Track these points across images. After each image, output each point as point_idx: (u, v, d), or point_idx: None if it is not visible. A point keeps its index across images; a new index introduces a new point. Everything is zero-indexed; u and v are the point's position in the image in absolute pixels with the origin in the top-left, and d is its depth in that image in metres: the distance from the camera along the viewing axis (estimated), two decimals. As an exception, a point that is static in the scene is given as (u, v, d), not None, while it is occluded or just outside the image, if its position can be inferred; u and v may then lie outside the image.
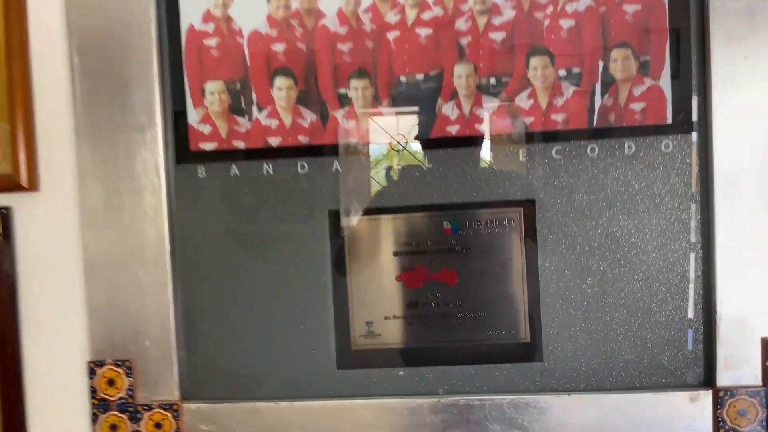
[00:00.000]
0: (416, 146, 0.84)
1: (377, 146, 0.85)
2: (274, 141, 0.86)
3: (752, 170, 0.77)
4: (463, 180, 0.83)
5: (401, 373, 0.85)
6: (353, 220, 0.85)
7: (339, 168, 0.84)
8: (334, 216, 0.85)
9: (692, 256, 0.81)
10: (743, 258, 0.78)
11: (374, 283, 0.86)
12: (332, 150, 0.85)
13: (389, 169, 0.85)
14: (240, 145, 0.86)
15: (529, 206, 0.83)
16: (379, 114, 0.84)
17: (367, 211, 0.85)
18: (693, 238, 0.80)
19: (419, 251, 0.86)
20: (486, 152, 0.83)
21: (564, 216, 0.82)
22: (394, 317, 0.87)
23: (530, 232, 0.84)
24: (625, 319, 0.82)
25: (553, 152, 0.82)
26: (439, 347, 0.86)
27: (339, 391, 0.85)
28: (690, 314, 0.81)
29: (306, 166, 0.85)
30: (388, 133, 0.84)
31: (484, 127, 0.83)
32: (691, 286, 0.81)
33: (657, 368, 0.82)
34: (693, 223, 0.80)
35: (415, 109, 0.84)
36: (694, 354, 0.81)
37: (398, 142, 0.84)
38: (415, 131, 0.83)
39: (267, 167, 0.85)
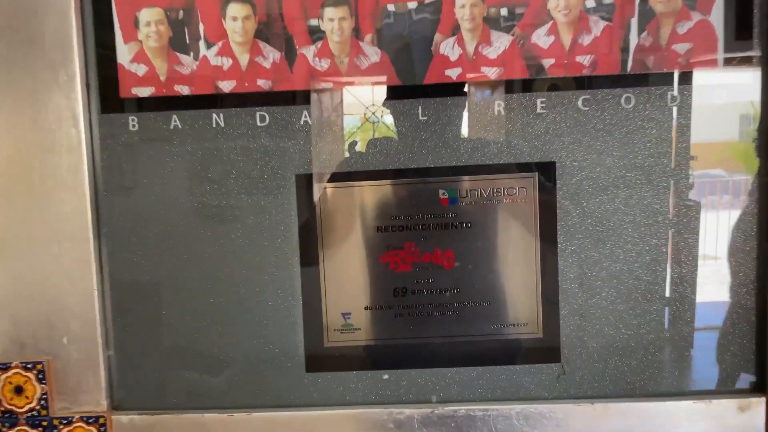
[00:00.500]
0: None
1: (357, 94, 0.68)
2: (226, 86, 0.68)
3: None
4: (465, 138, 0.67)
5: (386, 376, 0.69)
6: (327, 188, 0.69)
7: (309, 120, 0.67)
8: (303, 182, 0.68)
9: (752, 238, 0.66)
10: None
11: (353, 266, 0.70)
12: (301, 98, 0.67)
13: (374, 123, 0.68)
14: (183, 90, 0.69)
15: (547, 171, 0.67)
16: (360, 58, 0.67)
17: (344, 177, 0.68)
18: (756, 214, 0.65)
19: (408, 226, 0.70)
20: (494, 103, 0.66)
21: (591, 183, 0.66)
22: (377, 307, 0.71)
23: (548, 204, 0.68)
24: (662, 311, 0.67)
25: (579, 103, 0.66)
26: (432, 345, 0.71)
27: (308, 399, 0.69)
28: (740, 308, 0.66)
29: (267, 117, 0.67)
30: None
31: (493, 71, 0.67)
32: (744, 271, 0.66)
33: (699, 371, 0.67)
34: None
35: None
36: (744, 354, 0.67)
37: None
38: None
39: (217, 119, 0.67)
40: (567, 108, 0.66)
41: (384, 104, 0.67)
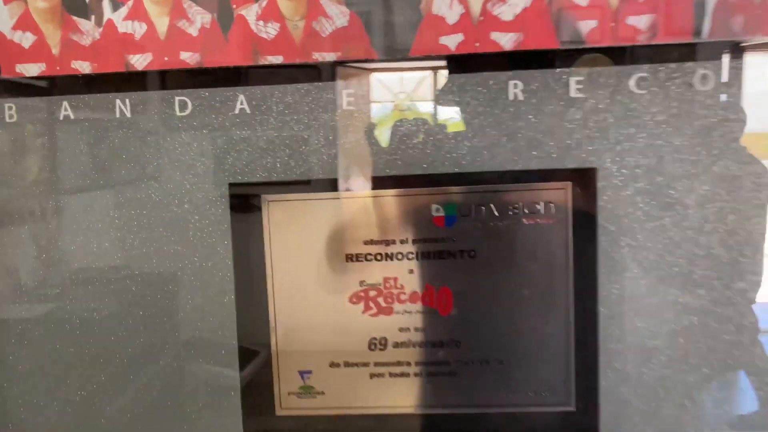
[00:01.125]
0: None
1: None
2: (138, 61, 0.50)
3: None
4: (467, 134, 0.47)
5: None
6: (276, 200, 0.50)
7: (247, 108, 0.48)
8: (239, 193, 0.49)
9: None
10: None
11: (313, 309, 0.52)
12: (237, 76, 0.49)
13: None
14: (82, 67, 0.51)
15: (585, 180, 0.48)
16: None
17: (299, 186, 0.50)
18: None
19: (389, 255, 0.51)
20: (509, 84, 0.47)
21: (649, 198, 0.46)
22: (345, 364, 0.52)
23: (586, 227, 0.48)
24: (753, 385, 0.47)
25: (631, 83, 0.46)
26: (421, 418, 0.51)
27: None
28: None
29: (189, 104, 0.48)
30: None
31: (507, 39, 0.47)
32: None
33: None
34: None
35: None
36: None
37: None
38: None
39: (122, 106, 0.49)
40: (614, 91, 0.46)
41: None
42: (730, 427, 0.47)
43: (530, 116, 0.46)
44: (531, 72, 0.46)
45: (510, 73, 0.46)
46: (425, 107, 0.48)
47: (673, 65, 0.45)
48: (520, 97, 0.46)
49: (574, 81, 0.46)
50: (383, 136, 0.49)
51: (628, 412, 0.48)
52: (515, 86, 0.46)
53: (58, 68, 0.51)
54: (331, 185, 0.50)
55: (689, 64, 0.45)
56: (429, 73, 0.50)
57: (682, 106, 0.45)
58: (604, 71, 0.45)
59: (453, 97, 0.46)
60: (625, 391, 0.48)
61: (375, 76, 0.49)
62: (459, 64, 0.47)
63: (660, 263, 0.46)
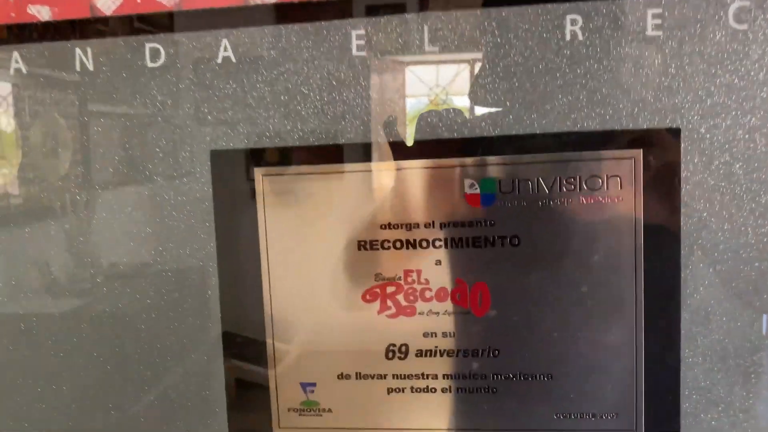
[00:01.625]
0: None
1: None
2: (106, 4, 0.42)
3: None
4: (506, 87, 0.37)
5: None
6: (271, 174, 0.41)
7: (232, 57, 0.39)
8: (224, 162, 0.40)
9: None
10: None
11: (318, 308, 0.42)
12: (222, 18, 0.39)
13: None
14: (40, 13, 0.42)
15: (661, 144, 0.37)
16: None
17: (297, 156, 0.40)
18: None
19: (412, 243, 0.41)
20: (565, 19, 0.36)
21: (749, 165, 0.35)
22: (357, 376, 0.42)
23: (662, 203, 0.38)
24: None
25: (730, 15, 0.35)
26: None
27: None
28: None
29: (162, 52, 0.39)
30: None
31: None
32: None
33: None
34: None
35: None
36: None
37: None
38: None
39: (83, 58, 0.40)
40: (705, 27, 0.35)
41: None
42: None
43: (591, 60, 0.36)
44: (594, 3, 0.35)
45: (566, 5, 0.35)
46: (464, 49, 0.38)
47: (785, -9, 0.34)
48: (579, 36, 0.35)
49: (651, 14, 0.35)
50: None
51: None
52: (573, 23, 0.35)
53: (12, 15, 0.43)
54: (339, 155, 0.40)
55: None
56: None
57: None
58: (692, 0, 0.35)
59: (491, 36, 0.35)
60: (715, 415, 0.37)
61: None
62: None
63: (762, 255, 0.35)
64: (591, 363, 0.41)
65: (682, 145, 0.36)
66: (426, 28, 0.37)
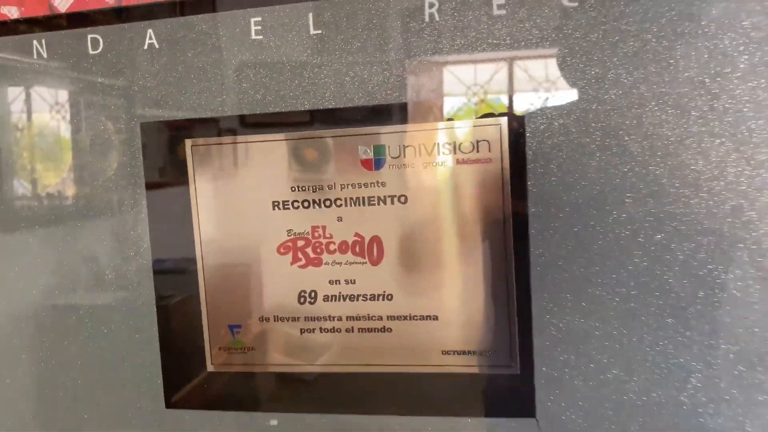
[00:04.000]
0: None
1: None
2: (61, 3, 0.51)
3: None
4: (384, 62, 0.45)
5: (274, 422, 0.49)
6: (199, 144, 0.50)
7: (156, 42, 0.48)
8: (154, 132, 0.50)
9: None
10: None
11: (242, 261, 0.51)
12: (146, 12, 0.49)
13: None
14: (11, 12, 0.52)
15: (517, 114, 0.45)
16: None
17: (218, 127, 0.49)
18: None
19: (317, 202, 0.49)
20: (434, 3, 0.44)
21: (584, 136, 0.43)
22: (275, 319, 0.51)
23: (522, 162, 0.45)
24: (714, 344, 0.42)
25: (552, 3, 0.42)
26: (352, 378, 0.50)
27: (169, 448, 0.51)
28: None
29: (101, 41, 0.49)
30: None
31: (430, -42, 0.44)
32: None
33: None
34: None
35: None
36: None
37: None
38: None
39: (39, 47, 0.50)
40: (542, 4, 0.42)
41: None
42: (682, 390, 0.42)
43: (454, 36, 0.43)
44: (450, -9, 0.43)
45: (425, -8, 0.43)
46: (349, 33, 0.46)
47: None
48: (437, 16, 0.43)
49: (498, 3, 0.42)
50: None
51: (571, 374, 0.44)
52: (430, 6, 0.43)
53: (-11, 15, 0.53)
54: (256, 127, 0.49)
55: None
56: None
57: (625, 23, 0.41)
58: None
59: (369, 19, 0.43)
60: (565, 350, 0.44)
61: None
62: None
63: (606, 197, 0.42)
64: (471, 306, 0.48)
65: (531, 115, 0.43)
66: (311, 15, 0.45)
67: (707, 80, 0.39)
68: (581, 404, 0.44)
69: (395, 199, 0.49)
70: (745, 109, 0.39)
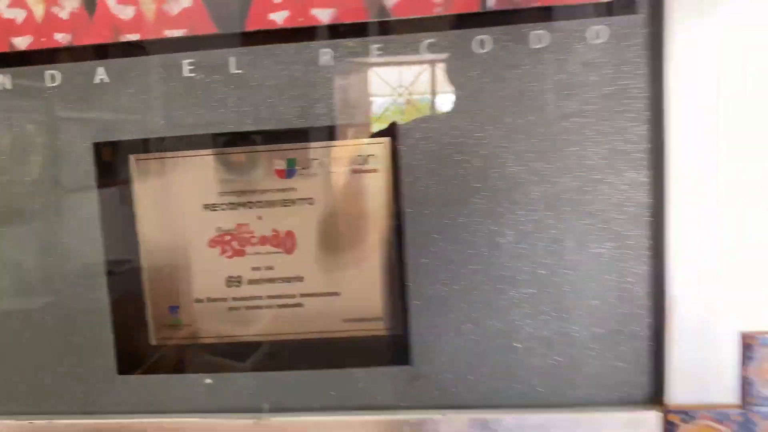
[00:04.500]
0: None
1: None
2: (21, 42, 0.62)
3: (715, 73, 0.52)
4: (297, 95, 0.59)
5: (209, 380, 0.62)
6: (142, 159, 0.61)
7: (107, 78, 0.60)
8: (102, 152, 0.61)
9: (643, 214, 0.56)
10: (707, 212, 0.53)
11: (178, 253, 0.63)
12: (98, 52, 0.60)
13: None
14: (-26, 48, 0.62)
15: (393, 134, 0.59)
16: None
17: (157, 145, 0.61)
18: (642, 184, 0.56)
19: (241, 204, 0.62)
20: (318, 51, 0.58)
21: (444, 148, 0.57)
22: (208, 300, 0.63)
23: (400, 174, 0.59)
24: (537, 303, 0.58)
25: (423, 46, 0.57)
26: (273, 344, 0.63)
27: (120, 406, 0.63)
28: (630, 295, 0.57)
29: (58, 76, 0.60)
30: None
31: (324, 14, 0.58)
32: (635, 255, 0.56)
33: (581, 378, 0.58)
34: (640, 157, 0.55)
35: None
36: (637, 358, 0.57)
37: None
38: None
39: (4, 81, 0.61)
40: (410, 50, 0.57)
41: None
42: (522, 344, 0.58)
43: (344, 78, 0.57)
44: (343, 41, 0.57)
45: (319, 42, 0.57)
46: (264, 73, 0.59)
47: (457, 32, 0.56)
48: (331, 62, 0.57)
49: (376, 47, 0.57)
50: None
51: (436, 332, 0.59)
52: (324, 54, 0.57)
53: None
54: (191, 144, 0.61)
55: (472, 31, 0.56)
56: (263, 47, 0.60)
57: (465, 68, 0.56)
58: (402, 38, 0.56)
59: (280, 63, 0.57)
60: (433, 314, 0.59)
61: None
62: (281, 37, 0.58)
63: (457, 200, 0.57)
64: (366, 283, 0.62)
65: (399, 135, 0.58)
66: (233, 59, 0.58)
67: (531, 116, 0.55)
68: (446, 353, 0.59)
69: (304, 202, 0.62)
70: (561, 133, 0.55)
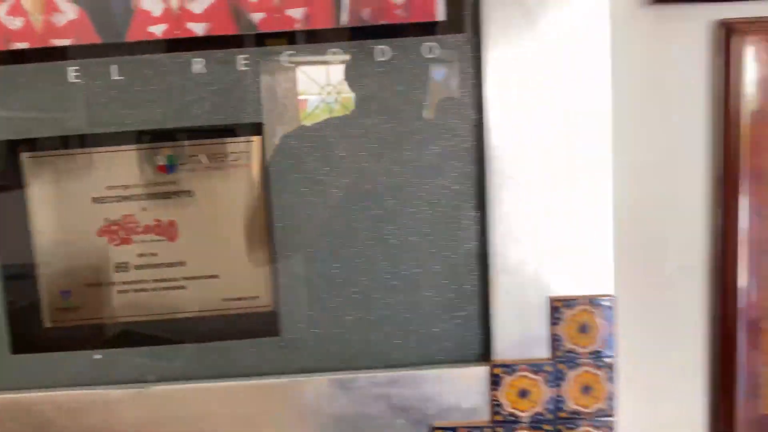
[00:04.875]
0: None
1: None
2: None
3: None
4: (178, 99, 0.66)
5: (98, 356, 0.69)
6: (32, 157, 0.68)
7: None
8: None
9: (470, 200, 0.67)
10: (522, 197, 0.64)
11: (70, 242, 0.70)
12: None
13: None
14: None
15: (259, 132, 0.68)
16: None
17: (48, 143, 0.68)
18: (468, 175, 0.66)
19: (126, 197, 0.69)
20: (191, 61, 0.66)
21: (305, 145, 0.67)
22: (98, 284, 0.70)
23: (267, 168, 0.68)
24: (389, 279, 0.68)
25: (281, 57, 0.66)
26: (160, 323, 0.70)
27: (15, 383, 0.69)
28: (463, 268, 0.67)
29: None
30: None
31: (200, 27, 0.66)
32: (465, 236, 0.67)
33: (425, 340, 0.68)
34: (468, 153, 0.66)
35: None
36: (470, 323, 0.68)
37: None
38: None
39: None
40: (272, 64, 0.65)
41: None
42: (364, 309, 0.68)
43: (214, 84, 0.66)
44: (214, 51, 0.65)
45: (191, 53, 0.65)
46: (143, 79, 0.67)
47: (315, 45, 0.65)
48: (203, 70, 0.65)
49: (242, 58, 0.65)
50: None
51: (301, 306, 0.68)
52: (197, 63, 0.65)
53: None
54: (80, 142, 0.68)
55: (328, 44, 0.65)
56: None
57: (321, 77, 0.66)
58: (267, 50, 0.65)
59: (158, 71, 0.65)
60: (298, 289, 0.68)
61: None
62: (160, 48, 0.66)
63: (317, 190, 0.67)
64: (238, 264, 0.71)
65: (265, 134, 0.67)
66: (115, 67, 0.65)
67: (377, 119, 0.65)
68: (312, 324, 0.68)
69: (185, 194, 0.70)
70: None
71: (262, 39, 0.67)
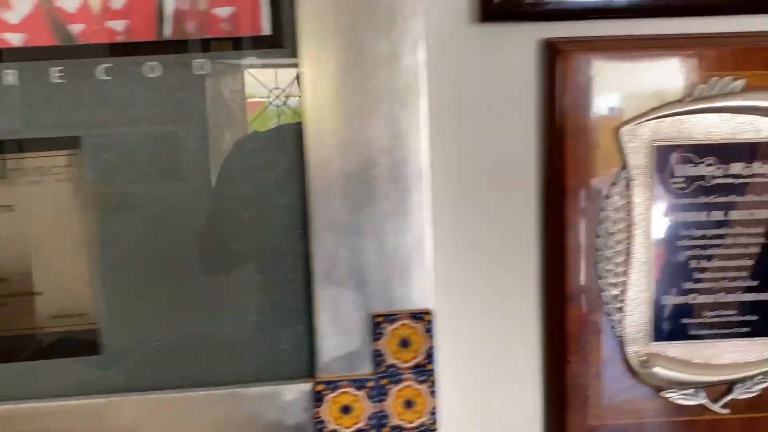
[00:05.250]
0: None
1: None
2: None
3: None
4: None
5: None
6: None
7: None
8: None
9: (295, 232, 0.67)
10: (340, 213, 0.64)
11: None
12: None
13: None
14: None
15: (77, 146, 0.66)
16: None
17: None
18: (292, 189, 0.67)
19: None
20: (13, 74, 0.64)
21: (123, 160, 0.66)
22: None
23: (91, 182, 0.67)
24: (218, 301, 0.67)
25: (98, 71, 0.64)
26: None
27: None
28: (287, 285, 0.67)
29: None
30: None
31: (16, 37, 0.65)
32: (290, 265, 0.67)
33: (254, 359, 0.68)
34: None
35: None
36: (298, 343, 0.68)
37: None
38: None
39: None
40: (90, 77, 0.64)
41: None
42: (188, 328, 0.67)
43: (28, 97, 0.64)
44: (27, 63, 0.64)
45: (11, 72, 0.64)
46: None
47: (132, 58, 0.65)
48: (16, 82, 0.64)
49: (56, 71, 0.64)
50: None
51: (122, 324, 0.67)
52: (11, 75, 0.64)
53: None
54: None
55: (144, 58, 0.64)
56: None
57: (136, 90, 0.65)
58: (84, 62, 0.64)
59: None
60: (121, 307, 0.67)
61: None
62: None
63: (134, 206, 0.66)
64: (66, 282, 0.69)
65: (83, 148, 0.65)
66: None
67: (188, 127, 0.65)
68: (136, 343, 0.67)
69: (3, 208, 0.68)
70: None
71: (83, 50, 0.66)
